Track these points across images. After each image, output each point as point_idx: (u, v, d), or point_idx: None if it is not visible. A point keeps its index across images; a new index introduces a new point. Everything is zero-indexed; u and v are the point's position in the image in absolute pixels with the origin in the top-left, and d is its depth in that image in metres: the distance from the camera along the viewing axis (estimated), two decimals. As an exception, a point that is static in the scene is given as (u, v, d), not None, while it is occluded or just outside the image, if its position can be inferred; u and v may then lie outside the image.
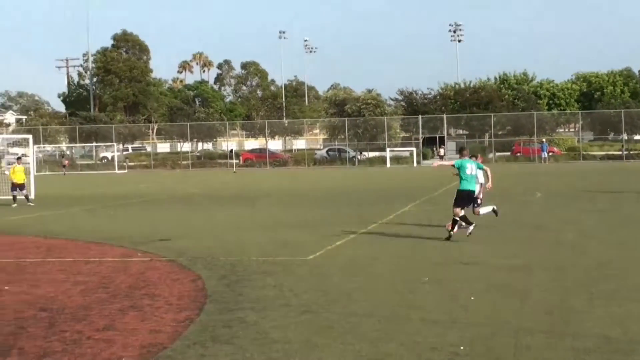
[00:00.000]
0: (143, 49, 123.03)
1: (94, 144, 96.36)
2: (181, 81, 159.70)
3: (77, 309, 12.35)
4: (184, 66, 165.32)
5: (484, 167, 21.06)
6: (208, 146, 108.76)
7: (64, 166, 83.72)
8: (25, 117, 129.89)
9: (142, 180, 62.42)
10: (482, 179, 21.46)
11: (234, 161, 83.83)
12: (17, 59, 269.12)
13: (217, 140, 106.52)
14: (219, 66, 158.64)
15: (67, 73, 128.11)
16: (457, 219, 19.55)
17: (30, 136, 46.67)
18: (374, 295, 13.13)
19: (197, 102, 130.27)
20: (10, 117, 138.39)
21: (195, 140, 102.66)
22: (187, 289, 14.00)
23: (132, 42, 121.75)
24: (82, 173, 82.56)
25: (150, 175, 74.53)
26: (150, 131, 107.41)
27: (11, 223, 27.43)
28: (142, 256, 18.21)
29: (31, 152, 51.14)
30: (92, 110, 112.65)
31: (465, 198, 19.87)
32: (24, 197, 35.88)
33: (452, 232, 19.52)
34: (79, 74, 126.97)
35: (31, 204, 35.35)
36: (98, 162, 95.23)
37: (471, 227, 19.56)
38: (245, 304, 12.49)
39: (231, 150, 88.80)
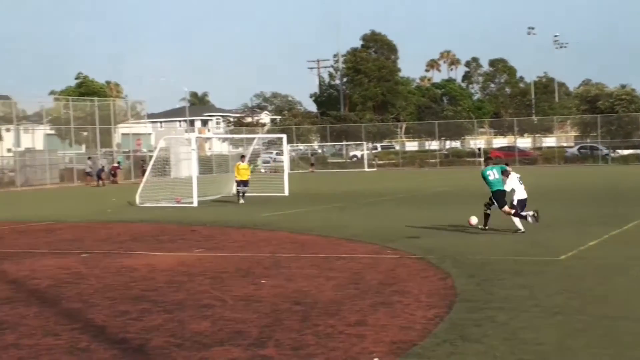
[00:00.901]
0: (391, 49, 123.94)
1: (344, 142, 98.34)
2: (429, 79, 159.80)
3: (330, 304, 12.65)
4: (432, 64, 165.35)
5: (503, 177, 22.04)
6: (456, 144, 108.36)
7: (312, 164, 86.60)
8: (279, 117, 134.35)
9: (390, 178, 63.09)
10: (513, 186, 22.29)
11: (482, 159, 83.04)
12: (272, 61, 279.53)
13: (465, 138, 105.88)
14: (467, 64, 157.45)
15: (319, 74, 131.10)
16: (514, 212, 21.49)
17: (284, 135, 48.26)
18: (629, 298, 12.65)
19: (445, 101, 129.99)
20: (265, 118, 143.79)
21: (443, 138, 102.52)
22: (437, 286, 14.02)
23: (380, 42, 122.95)
24: (332, 171, 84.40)
25: (399, 173, 75.16)
26: (399, 130, 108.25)
27: (267, 219, 28.46)
28: (391, 253, 18.41)
29: (285, 151, 52.90)
30: (342, 109, 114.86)
31: (502, 196, 21.76)
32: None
33: (520, 229, 21.41)
34: (330, 75, 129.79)
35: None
36: (348, 160, 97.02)
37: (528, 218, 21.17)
38: (494, 303, 12.36)
39: (479, 149, 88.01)
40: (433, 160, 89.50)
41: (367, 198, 38.48)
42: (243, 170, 37.61)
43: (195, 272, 16.42)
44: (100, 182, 64.29)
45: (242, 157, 40.18)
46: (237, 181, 37.74)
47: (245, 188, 37.50)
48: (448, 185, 48.98)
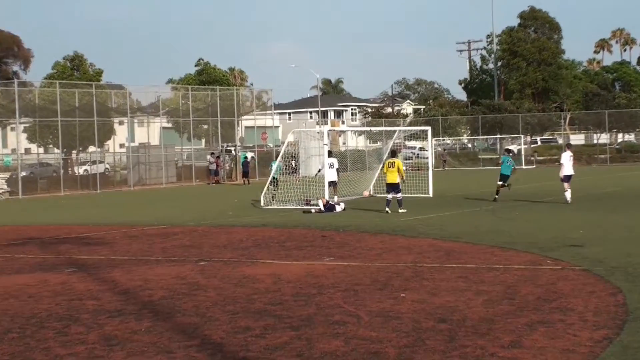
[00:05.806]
0: (554, 28, 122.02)
1: (498, 135, 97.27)
2: (598, 62, 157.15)
3: (479, 322, 12.52)
4: (602, 45, 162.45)
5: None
6: (630, 137, 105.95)
7: (444, 161, 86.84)
8: (424, 106, 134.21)
9: (552, 176, 62.02)
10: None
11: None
12: (416, 43, 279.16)
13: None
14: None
15: (469, 57, 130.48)
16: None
17: (428, 128, 48.11)
18: None
19: (617, 87, 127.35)
20: (407, 107, 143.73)
21: (615, 130, 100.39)
22: (605, 303, 13.71)
23: (541, 20, 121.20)
24: (484, 168, 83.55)
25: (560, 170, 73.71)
26: (562, 120, 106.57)
27: (407, 224, 28.40)
28: (552, 264, 18.14)
29: (429, 146, 52.67)
30: (496, 97, 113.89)
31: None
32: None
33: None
34: (482, 58, 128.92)
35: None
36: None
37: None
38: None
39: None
40: (602, 156, 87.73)
41: (524, 199, 37.99)
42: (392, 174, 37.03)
43: (325, 283, 16.50)
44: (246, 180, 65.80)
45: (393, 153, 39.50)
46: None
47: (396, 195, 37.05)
48: (620, 185, 47.91)
